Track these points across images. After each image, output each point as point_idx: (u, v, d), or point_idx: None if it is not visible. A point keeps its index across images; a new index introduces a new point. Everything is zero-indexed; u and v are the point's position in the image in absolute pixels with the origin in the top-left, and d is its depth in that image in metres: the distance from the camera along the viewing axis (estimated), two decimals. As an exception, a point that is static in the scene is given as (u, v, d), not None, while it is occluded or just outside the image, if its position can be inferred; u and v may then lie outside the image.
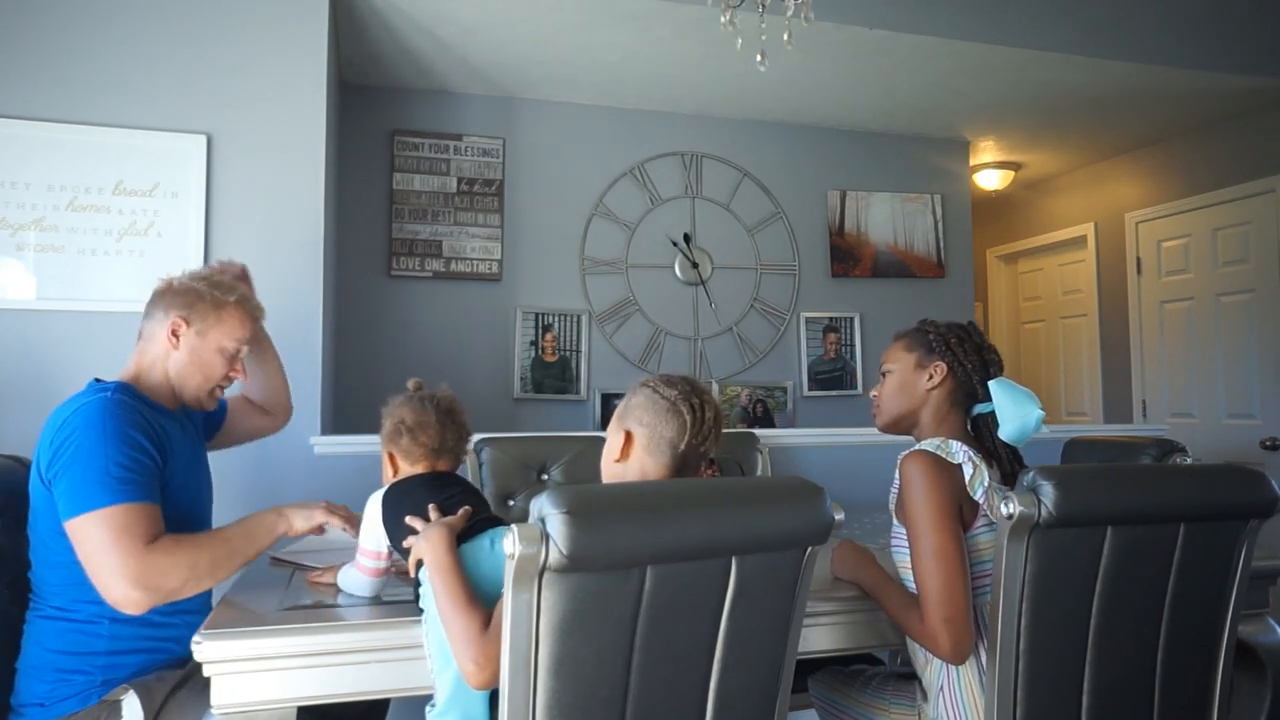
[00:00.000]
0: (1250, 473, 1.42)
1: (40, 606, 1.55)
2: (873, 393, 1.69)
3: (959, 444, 1.49)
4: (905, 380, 1.62)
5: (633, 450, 1.40)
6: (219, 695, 1.27)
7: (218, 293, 1.71)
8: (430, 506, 1.40)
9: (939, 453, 1.47)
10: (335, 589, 1.51)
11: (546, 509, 1.00)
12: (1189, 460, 2.55)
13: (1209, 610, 1.42)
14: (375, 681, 1.34)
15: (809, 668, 1.81)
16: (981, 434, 1.60)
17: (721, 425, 1.44)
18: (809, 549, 1.19)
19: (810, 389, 4.33)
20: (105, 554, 1.41)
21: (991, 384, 1.56)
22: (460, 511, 1.39)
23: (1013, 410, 1.52)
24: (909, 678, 1.64)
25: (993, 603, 1.34)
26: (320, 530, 1.63)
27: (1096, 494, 1.32)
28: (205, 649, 1.25)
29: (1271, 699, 1.74)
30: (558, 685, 1.03)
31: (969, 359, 1.58)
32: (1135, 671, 1.39)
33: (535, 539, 0.99)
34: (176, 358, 1.67)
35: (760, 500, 1.17)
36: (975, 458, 1.47)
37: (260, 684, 1.29)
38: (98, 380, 1.64)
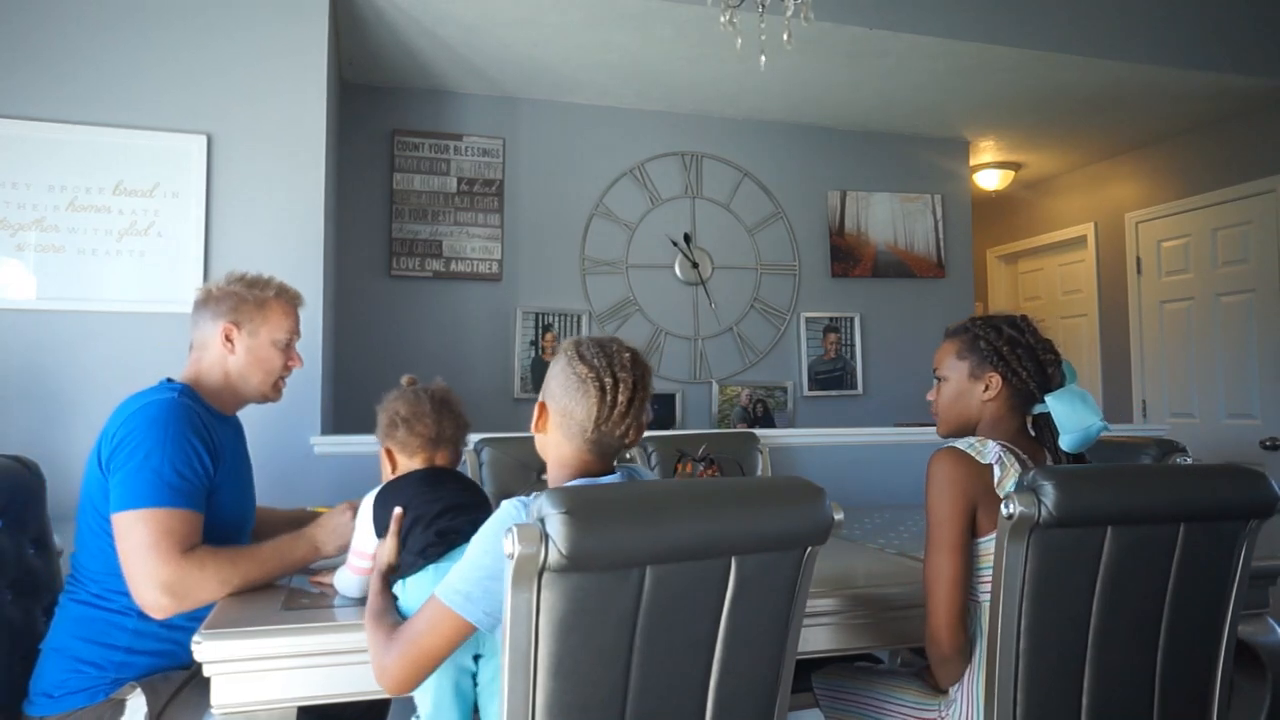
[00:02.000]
0: (1250, 473, 1.42)
1: (76, 591, 1.58)
2: (929, 396, 1.68)
3: (996, 444, 1.48)
4: (961, 390, 1.60)
5: (547, 425, 1.29)
6: (219, 695, 1.27)
7: (256, 290, 1.76)
8: (395, 517, 1.39)
9: (970, 451, 1.46)
10: (335, 589, 1.52)
11: (546, 509, 1.00)
12: (1189, 460, 2.54)
13: (1209, 610, 1.42)
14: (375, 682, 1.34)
15: (809, 667, 1.81)
16: (1043, 433, 1.57)
17: (643, 409, 1.28)
18: (809, 549, 1.19)
19: (810, 389, 4.33)
20: (142, 555, 1.46)
21: (1049, 398, 1.52)
22: (387, 543, 1.38)
23: (1071, 422, 1.50)
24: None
25: (993, 603, 1.35)
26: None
27: (1096, 494, 1.32)
28: (205, 649, 1.25)
29: (1271, 699, 1.74)
30: (557, 685, 1.03)
31: (1023, 366, 1.54)
32: (1135, 671, 1.39)
33: (535, 539, 0.98)
34: (235, 360, 1.73)
35: (760, 500, 1.17)
36: (1008, 458, 1.46)
37: (260, 684, 1.29)
38: (169, 380, 1.70)
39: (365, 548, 1.45)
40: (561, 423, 1.26)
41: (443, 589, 1.16)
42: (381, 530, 1.42)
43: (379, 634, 1.23)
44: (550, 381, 1.29)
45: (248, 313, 1.73)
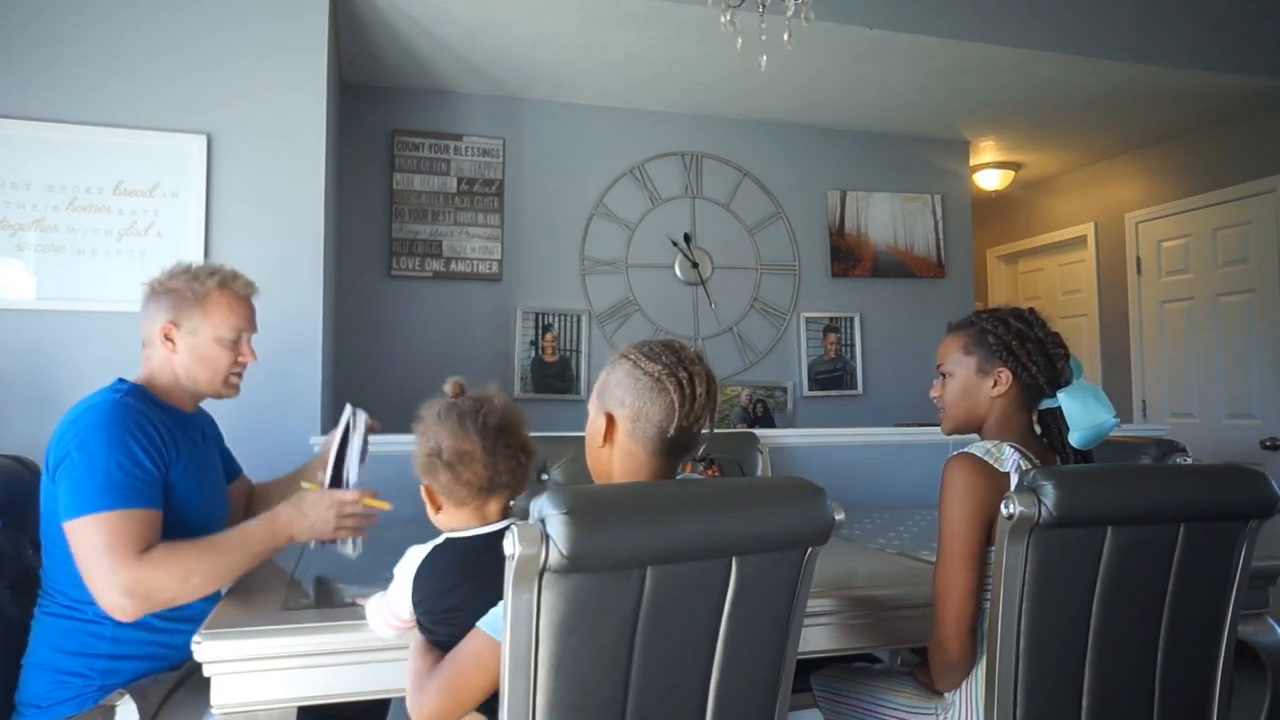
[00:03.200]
0: (1250, 473, 1.42)
1: (48, 604, 1.56)
2: (933, 393, 1.63)
3: (1013, 450, 1.45)
4: (968, 386, 1.55)
5: (616, 435, 1.26)
6: (219, 695, 1.27)
7: (196, 284, 1.64)
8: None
9: (988, 458, 1.44)
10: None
11: (546, 509, 1.00)
12: (1189, 460, 2.54)
13: (1209, 610, 1.42)
14: (375, 681, 1.34)
15: (809, 667, 1.81)
16: (1050, 430, 1.55)
17: (716, 399, 1.27)
18: (809, 549, 1.18)
19: (810, 389, 4.33)
20: (99, 560, 1.41)
21: (1061, 394, 1.50)
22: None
23: (1083, 418, 1.48)
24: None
25: (993, 603, 1.34)
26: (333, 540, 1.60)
27: (1096, 494, 1.32)
28: (205, 649, 1.25)
29: (1271, 699, 1.74)
30: (558, 685, 1.03)
31: (1034, 361, 1.51)
32: (1135, 671, 1.39)
33: (535, 539, 0.98)
34: (178, 359, 1.65)
35: (760, 500, 1.17)
36: (1026, 466, 1.44)
37: (260, 684, 1.29)
38: (121, 380, 1.64)
39: (401, 612, 1.26)
40: (634, 429, 1.25)
41: (486, 621, 1.13)
42: (419, 606, 1.23)
43: (421, 665, 1.17)
44: (612, 391, 1.27)
45: (186, 310, 1.63)
